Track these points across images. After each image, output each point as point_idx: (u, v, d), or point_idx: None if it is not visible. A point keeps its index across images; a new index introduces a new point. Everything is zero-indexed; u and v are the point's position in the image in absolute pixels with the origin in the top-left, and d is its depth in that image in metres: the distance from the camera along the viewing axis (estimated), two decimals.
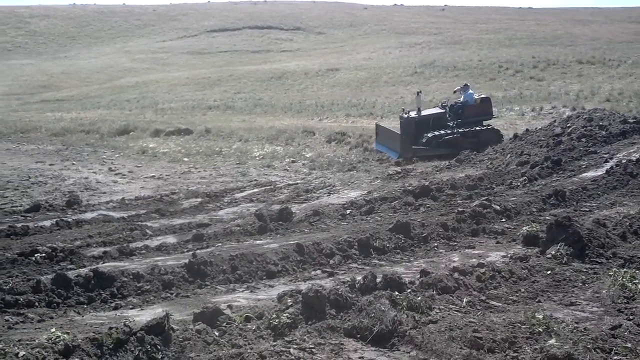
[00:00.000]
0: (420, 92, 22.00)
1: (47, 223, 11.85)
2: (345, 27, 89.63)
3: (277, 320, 5.40)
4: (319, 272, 7.90)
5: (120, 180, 18.34)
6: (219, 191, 15.99)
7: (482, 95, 22.11)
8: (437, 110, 21.16)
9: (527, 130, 20.01)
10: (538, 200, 11.30)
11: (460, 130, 19.92)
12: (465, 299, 6.22)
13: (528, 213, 10.61)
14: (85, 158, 22.71)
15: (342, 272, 7.86)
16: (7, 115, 38.01)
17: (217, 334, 5.22)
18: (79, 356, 4.49)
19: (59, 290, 6.89)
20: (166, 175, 19.09)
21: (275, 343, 5.09)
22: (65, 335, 4.70)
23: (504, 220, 10.24)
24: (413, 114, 20.48)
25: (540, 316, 5.60)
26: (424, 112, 20.72)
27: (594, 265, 7.57)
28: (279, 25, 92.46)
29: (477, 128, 20.25)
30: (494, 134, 20.33)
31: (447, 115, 20.54)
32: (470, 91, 21.48)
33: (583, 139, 16.95)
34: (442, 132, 19.84)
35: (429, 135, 19.70)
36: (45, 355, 4.44)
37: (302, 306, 5.60)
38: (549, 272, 7.33)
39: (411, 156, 19.54)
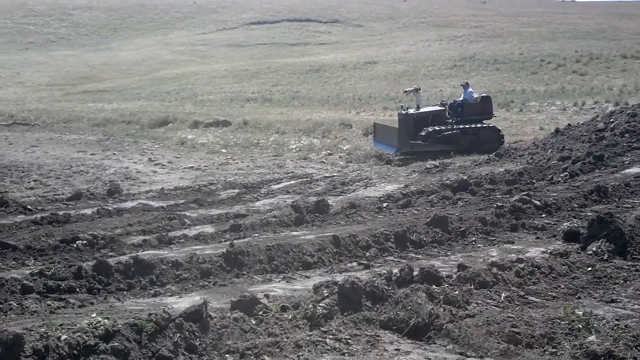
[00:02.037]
0: (419, 88, 21.91)
1: (89, 211, 12.09)
2: (384, 20, 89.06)
3: (313, 311, 5.41)
4: (354, 264, 7.89)
5: (159, 170, 18.60)
6: (256, 182, 16.10)
7: (483, 94, 22.04)
8: (437, 107, 20.97)
9: (569, 125, 19.64)
10: (579, 196, 11.08)
11: (460, 127, 19.69)
12: (503, 294, 6.16)
13: (569, 209, 10.42)
14: (125, 148, 23.09)
15: (378, 264, 7.84)
16: (50, 105, 38.87)
17: (254, 322, 5.26)
18: (119, 341, 4.57)
19: (100, 276, 7.01)
20: (204, 166, 19.30)
21: (311, 333, 5.11)
22: (105, 321, 4.79)
23: (544, 215, 10.08)
24: (412, 111, 20.34)
25: (580, 313, 5.52)
26: (423, 109, 20.65)
27: (636, 263, 7.41)
28: (317, 18, 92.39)
29: (478, 125, 20.10)
30: (494, 132, 20.13)
31: (447, 113, 20.32)
32: (470, 89, 21.32)
33: (626, 135, 16.55)
34: (441, 127, 19.64)
35: (427, 131, 19.47)
36: (86, 340, 4.52)
37: (338, 297, 5.61)
38: (589, 268, 7.20)
39: (409, 151, 19.47)
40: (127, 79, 56.14)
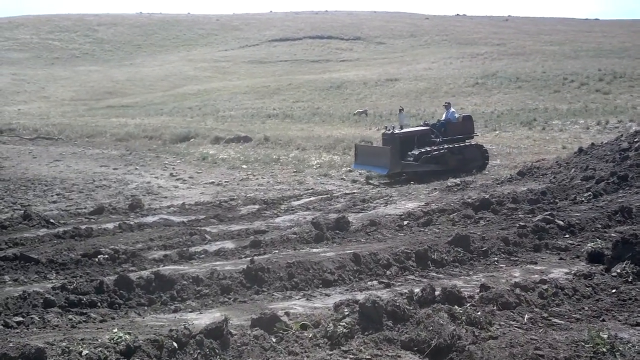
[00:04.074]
0: (402, 109, 21.87)
1: (110, 225, 12.18)
2: (406, 37, 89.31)
3: (333, 330, 5.36)
4: (375, 282, 7.83)
5: (180, 185, 18.72)
6: (276, 198, 16.11)
7: (464, 114, 22.34)
8: (422, 127, 20.99)
9: (592, 144, 19.42)
10: (603, 216, 10.91)
11: (448, 147, 19.80)
12: (526, 316, 6.06)
13: (593, 229, 10.26)
14: (147, 163, 23.29)
15: (399, 283, 7.77)
16: (74, 120, 39.40)
17: (274, 340, 5.23)
18: (140, 357, 4.57)
19: (121, 291, 7.04)
20: (225, 181, 19.38)
21: (331, 352, 5.07)
22: (126, 336, 4.80)
23: (567, 236, 9.93)
24: (397, 130, 20.27)
25: (605, 336, 5.41)
26: (407, 129, 20.65)
27: None
28: (339, 35, 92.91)
29: (463, 144, 20.27)
30: (479, 150, 20.41)
31: (432, 133, 20.29)
32: (452, 109, 21.42)
33: None
34: (431, 148, 19.61)
35: (419, 151, 19.40)
36: (107, 355, 4.53)
37: (359, 316, 5.56)
38: (614, 290, 7.06)
39: (399, 171, 19.40)
40: (150, 95, 56.77)
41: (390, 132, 20.16)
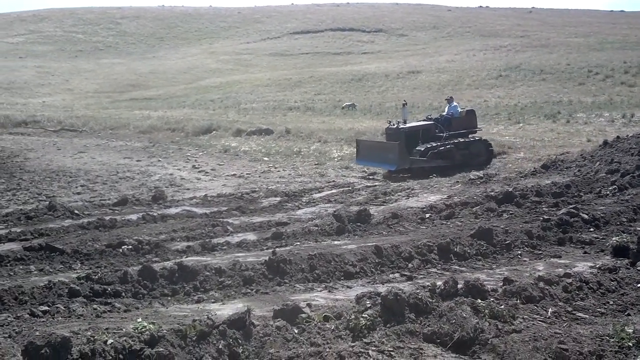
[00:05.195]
0: (406, 103, 21.57)
1: (134, 217, 12.30)
2: (428, 29, 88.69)
3: (355, 322, 5.36)
4: (397, 275, 7.82)
5: (203, 177, 18.82)
6: (298, 191, 16.13)
7: (467, 108, 22.20)
8: (425, 122, 20.74)
9: (617, 137, 19.17)
10: (629, 210, 10.78)
11: (454, 142, 19.62)
12: (550, 309, 6.00)
13: (618, 223, 10.15)
14: (170, 155, 23.44)
15: (421, 276, 7.75)
16: (98, 112, 39.78)
17: (296, 331, 5.25)
18: (164, 346, 4.61)
19: (145, 281, 7.11)
20: (247, 173, 19.44)
21: (353, 344, 5.07)
22: (151, 326, 4.84)
23: (592, 229, 9.83)
24: (402, 125, 20.00)
25: (630, 330, 5.34)
26: (412, 124, 20.42)
27: None
28: (360, 27, 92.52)
29: (469, 139, 20.13)
30: (484, 145, 20.28)
31: (436, 128, 20.06)
32: (455, 104, 21.21)
33: None
34: (437, 143, 19.38)
35: (425, 146, 19.16)
36: (131, 344, 4.57)
37: (381, 308, 5.55)
38: (639, 285, 6.98)
39: (407, 167, 19.11)
40: (172, 87, 57.10)
41: (395, 126, 19.95)
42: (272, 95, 47.49)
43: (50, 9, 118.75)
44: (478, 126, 21.33)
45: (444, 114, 21.06)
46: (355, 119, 33.13)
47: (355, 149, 20.90)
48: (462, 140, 19.96)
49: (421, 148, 19.11)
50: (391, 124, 20.48)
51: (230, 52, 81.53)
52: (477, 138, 20.59)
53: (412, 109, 35.22)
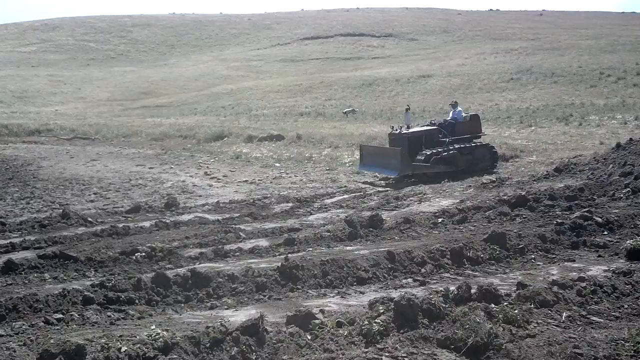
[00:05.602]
0: (409, 108, 21.33)
1: (147, 224, 12.34)
2: (438, 33, 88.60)
3: (368, 327, 5.35)
4: (410, 280, 7.80)
5: (215, 184, 18.86)
6: (309, 196, 16.12)
7: (472, 113, 21.96)
8: (429, 127, 20.49)
9: (630, 139, 19.03)
10: None
11: (458, 147, 19.40)
12: (565, 314, 5.97)
13: (632, 226, 10.08)
14: (182, 162, 23.53)
15: (434, 281, 7.73)
16: (110, 120, 40.02)
17: (309, 337, 5.24)
18: (178, 353, 4.63)
19: (158, 288, 7.14)
20: (258, 180, 19.46)
21: (367, 350, 5.05)
22: (164, 333, 4.86)
23: (606, 233, 9.77)
24: (403, 130, 19.76)
25: None
26: (415, 129, 20.21)
27: None
28: (370, 32, 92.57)
29: (473, 144, 19.93)
30: (488, 150, 20.06)
31: (439, 132, 19.87)
32: (459, 108, 20.98)
33: None
34: (441, 148, 19.17)
35: (429, 152, 18.93)
36: (145, 351, 4.59)
37: (394, 314, 5.54)
38: None
39: (410, 173, 18.88)
40: (184, 95, 57.35)
41: (397, 132, 19.72)
42: (282, 101, 47.56)
43: (62, 18, 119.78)
44: (486, 131, 21.12)
45: (448, 118, 20.93)
46: (366, 124, 33.09)
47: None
48: (466, 145, 19.78)
49: (426, 153, 18.90)
50: (394, 129, 20.30)
51: (240, 58, 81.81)
52: (481, 143, 20.39)
53: (423, 114, 35.19)
